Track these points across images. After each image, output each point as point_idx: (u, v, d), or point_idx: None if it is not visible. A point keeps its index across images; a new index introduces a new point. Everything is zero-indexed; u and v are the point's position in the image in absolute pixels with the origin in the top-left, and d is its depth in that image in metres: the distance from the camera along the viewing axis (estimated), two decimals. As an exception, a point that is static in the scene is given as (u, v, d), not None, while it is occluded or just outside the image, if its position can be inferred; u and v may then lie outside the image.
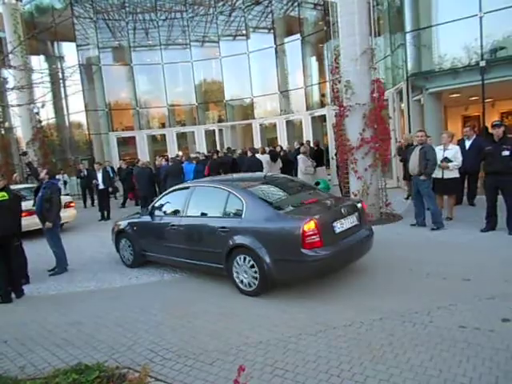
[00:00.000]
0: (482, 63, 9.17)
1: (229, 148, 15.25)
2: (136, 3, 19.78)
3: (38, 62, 20.55)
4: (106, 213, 11.29)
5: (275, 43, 18.53)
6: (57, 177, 13.22)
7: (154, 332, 3.95)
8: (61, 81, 18.99)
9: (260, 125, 18.57)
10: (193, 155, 13.09)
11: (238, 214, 4.80)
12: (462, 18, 9.35)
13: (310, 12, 18.08)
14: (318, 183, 8.73)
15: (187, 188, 5.73)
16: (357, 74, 7.73)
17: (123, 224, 6.47)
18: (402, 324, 3.62)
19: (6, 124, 17.39)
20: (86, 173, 14.81)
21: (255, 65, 19.01)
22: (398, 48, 11.08)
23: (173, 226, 5.47)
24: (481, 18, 9.03)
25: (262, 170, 10.27)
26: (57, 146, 19.55)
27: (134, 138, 19.27)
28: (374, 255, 5.29)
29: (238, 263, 4.71)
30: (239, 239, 4.65)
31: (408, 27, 10.29)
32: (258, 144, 17.56)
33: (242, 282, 4.71)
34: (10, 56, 14.91)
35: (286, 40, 18.68)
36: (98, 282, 5.86)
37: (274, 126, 18.53)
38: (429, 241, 6.30)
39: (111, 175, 12.98)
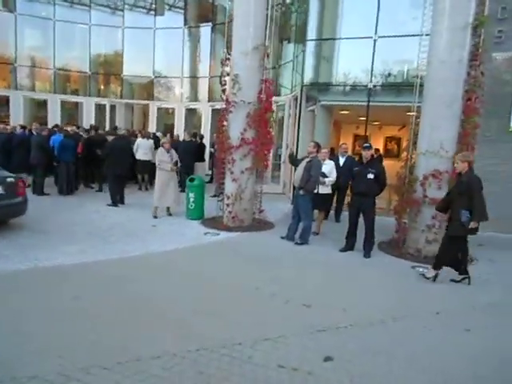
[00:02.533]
0: (370, 85, 9.41)
1: (115, 127, 13.84)
2: None
3: None
4: None
5: (185, 25, 17.46)
6: None
7: None
8: None
9: (158, 108, 17.38)
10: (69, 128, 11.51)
11: None
12: (358, 38, 9.49)
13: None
14: (192, 179, 8.07)
15: None
16: (246, 69, 7.25)
17: None
18: (220, 358, 3.11)
19: None
20: None
21: (161, 44, 17.72)
22: (298, 55, 10.95)
23: None
24: (375, 40, 9.25)
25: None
26: None
27: (7, 98, 16.61)
28: (221, 264, 4.80)
29: None
30: None
31: (310, 36, 10.19)
32: (153, 128, 16.40)
33: None
34: None
35: (197, 24, 17.73)
36: None
37: (173, 112, 17.51)
38: (288, 256, 6.06)
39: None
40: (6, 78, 17.48)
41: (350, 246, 6.30)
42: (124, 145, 9.21)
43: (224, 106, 7.59)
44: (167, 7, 18.34)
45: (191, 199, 7.97)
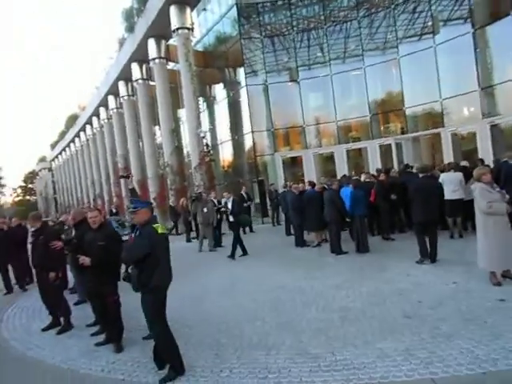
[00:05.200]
0: None
1: (407, 165, 11.96)
2: (305, 18, 18.63)
3: (215, 89, 21.66)
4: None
5: (473, 28, 14.26)
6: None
7: None
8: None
9: (453, 134, 14.48)
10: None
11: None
12: None
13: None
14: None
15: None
16: None
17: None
18: None
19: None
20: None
21: (444, 59, 15.10)
22: None
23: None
24: None
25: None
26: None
27: (300, 157, 17.82)
28: None
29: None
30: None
31: None
32: (449, 159, 13.60)
33: None
34: (183, 83, 15.34)
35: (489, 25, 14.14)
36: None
37: (473, 135, 14.15)
38: None
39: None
40: (298, 140, 19.01)
41: None
42: (431, 184, 7.12)
43: None
44: (441, 23, 15.78)
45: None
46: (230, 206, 10.34)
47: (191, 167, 16.56)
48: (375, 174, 10.75)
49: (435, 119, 15.72)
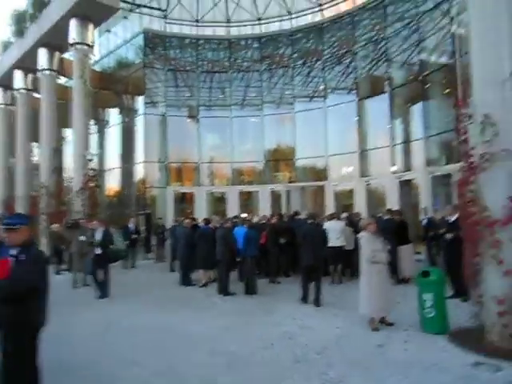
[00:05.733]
0: None
1: (296, 212, 12.54)
2: (210, 61, 19.15)
3: (108, 113, 20.51)
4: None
5: (357, 97, 16.25)
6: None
7: None
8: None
9: (334, 187, 15.84)
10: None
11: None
12: None
13: (399, 70, 15.61)
14: (426, 273, 5.55)
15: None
16: (502, 103, 4.84)
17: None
18: None
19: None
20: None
21: (332, 122, 16.79)
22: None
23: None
24: None
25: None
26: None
27: (192, 194, 17.54)
28: None
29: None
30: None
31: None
32: (330, 209, 14.74)
33: None
34: (75, 101, 14.19)
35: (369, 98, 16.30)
36: None
37: (350, 191, 15.68)
38: None
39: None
40: (192, 176, 18.80)
41: None
42: (317, 230, 7.46)
43: (466, 164, 5.18)
44: (330, 90, 17.71)
45: (428, 302, 5.39)
46: (98, 236, 8.51)
47: (72, 192, 14.97)
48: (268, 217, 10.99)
49: (320, 172, 17.11)
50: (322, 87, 17.71)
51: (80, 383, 4.14)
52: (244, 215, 12.43)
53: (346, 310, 6.66)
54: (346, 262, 9.37)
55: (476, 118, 5.02)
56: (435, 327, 5.33)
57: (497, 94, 4.87)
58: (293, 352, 4.85)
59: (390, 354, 4.72)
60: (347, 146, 16.31)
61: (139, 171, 17.87)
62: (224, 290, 8.23)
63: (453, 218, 7.25)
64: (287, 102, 18.51)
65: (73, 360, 4.75)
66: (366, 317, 5.78)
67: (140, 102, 18.51)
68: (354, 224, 9.46)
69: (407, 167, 14.49)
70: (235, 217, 12.00)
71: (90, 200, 14.21)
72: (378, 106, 15.69)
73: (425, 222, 10.17)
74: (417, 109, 14.54)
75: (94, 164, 14.92)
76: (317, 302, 7.08)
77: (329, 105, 16.89)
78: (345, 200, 16.31)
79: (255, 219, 10.52)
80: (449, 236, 7.32)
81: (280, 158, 18.64)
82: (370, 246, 5.61)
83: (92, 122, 18.52)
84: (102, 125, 20.75)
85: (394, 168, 14.78)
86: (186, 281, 9.49)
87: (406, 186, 13.90)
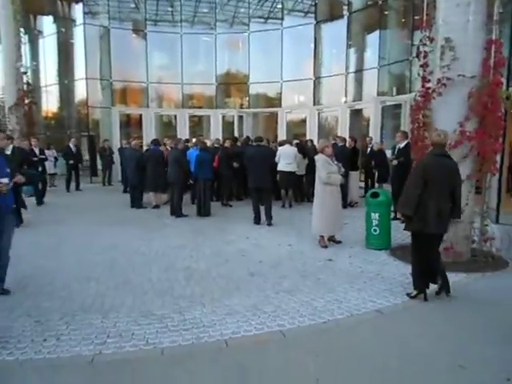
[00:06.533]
0: None
1: (248, 137, 12.40)
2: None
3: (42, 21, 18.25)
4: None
5: (315, 20, 15.62)
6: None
7: None
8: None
9: (287, 113, 15.71)
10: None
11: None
12: None
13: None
14: (375, 194, 5.84)
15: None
16: (465, 28, 4.83)
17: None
18: None
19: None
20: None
21: (288, 46, 16.17)
22: None
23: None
24: None
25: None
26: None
27: (139, 116, 16.60)
28: None
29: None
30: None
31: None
32: (282, 137, 14.73)
33: None
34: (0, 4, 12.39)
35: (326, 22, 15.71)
36: None
37: (303, 120, 15.67)
38: None
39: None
40: (139, 98, 17.69)
41: None
42: (264, 153, 7.49)
43: (422, 89, 5.26)
44: (286, 11, 16.81)
45: (374, 221, 5.74)
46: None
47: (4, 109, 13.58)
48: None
49: (274, 99, 16.81)
50: (279, 7, 16.75)
51: (35, 297, 4.05)
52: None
53: (297, 230, 6.97)
54: (296, 187, 9.63)
55: (437, 42, 5.02)
56: (379, 243, 5.74)
57: (461, 17, 4.84)
58: (247, 267, 5.03)
59: (338, 266, 5.06)
60: (303, 72, 15.98)
61: (80, 89, 16.45)
62: (176, 212, 8.21)
63: (402, 145, 7.53)
64: (241, 22, 17.42)
65: (26, 279, 4.59)
66: (316, 235, 6.07)
67: (78, 10, 16.51)
68: (305, 150, 9.58)
69: (359, 96, 14.60)
70: (186, 140, 11.68)
71: (27, 118, 13.05)
72: (335, 31, 15.26)
73: (368, 150, 10.52)
74: (373, 37, 14.31)
75: (28, 78, 13.46)
76: (268, 221, 7.30)
77: (285, 26, 16.12)
78: (297, 128, 16.32)
79: (208, 143, 10.28)
80: (395, 162, 7.67)
81: (233, 82, 17.94)
82: (326, 168, 5.72)
83: (22, 30, 16.37)
84: (34, 35, 18.42)
85: (347, 97, 14.84)
86: (136, 203, 9.32)
87: (357, 116, 14.10)
